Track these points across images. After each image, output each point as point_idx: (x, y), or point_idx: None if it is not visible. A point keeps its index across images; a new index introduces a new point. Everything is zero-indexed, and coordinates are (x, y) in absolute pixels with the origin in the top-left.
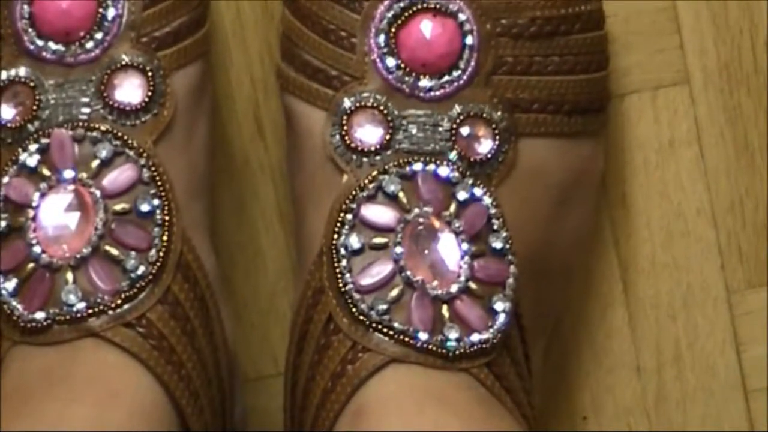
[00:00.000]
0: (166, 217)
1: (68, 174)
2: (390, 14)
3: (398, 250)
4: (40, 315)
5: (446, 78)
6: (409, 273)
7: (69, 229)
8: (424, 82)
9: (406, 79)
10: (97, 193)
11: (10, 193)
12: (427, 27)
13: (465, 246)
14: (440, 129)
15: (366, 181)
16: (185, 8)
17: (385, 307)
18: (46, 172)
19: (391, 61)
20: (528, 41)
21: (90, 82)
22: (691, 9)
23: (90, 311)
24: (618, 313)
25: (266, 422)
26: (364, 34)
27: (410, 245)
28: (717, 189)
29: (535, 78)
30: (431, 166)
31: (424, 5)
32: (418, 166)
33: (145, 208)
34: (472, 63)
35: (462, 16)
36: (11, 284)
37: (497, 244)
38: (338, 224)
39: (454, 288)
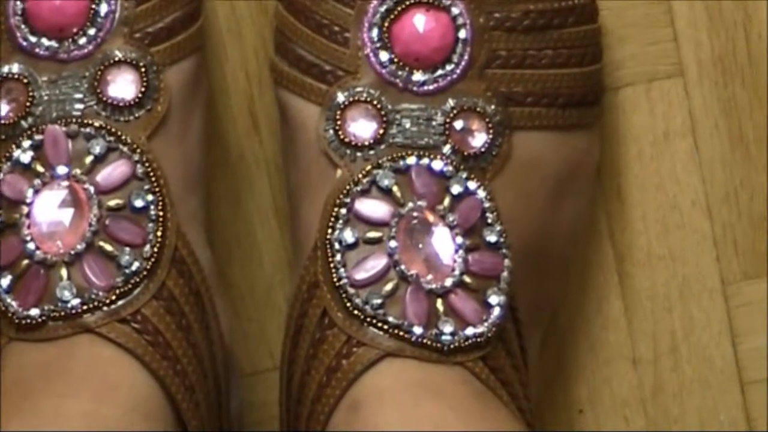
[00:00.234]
0: (161, 213)
1: (62, 170)
2: (383, 8)
3: (392, 244)
4: (34, 311)
5: (440, 72)
6: (403, 267)
7: (63, 225)
8: (418, 76)
9: (400, 73)
10: (91, 189)
11: (4, 190)
12: (420, 21)
13: (459, 240)
14: (434, 123)
15: (360, 176)
16: (179, 3)
17: (379, 301)
18: (39, 168)
19: (384, 56)
20: (521, 34)
21: (83, 78)
22: (685, 1)
23: (85, 307)
24: (614, 306)
25: (263, 416)
26: (358, 28)
27: (404, 239)
28: (712, 181)
29: (529, 71)
30: (425, 160)
31: None
32: (411, 160)
33: (139, 203)
34: (466, 57)
35: (455, 10)
36: (6, 281)
37: (492, 238)
38: (332, 219)
39: (448, 282)
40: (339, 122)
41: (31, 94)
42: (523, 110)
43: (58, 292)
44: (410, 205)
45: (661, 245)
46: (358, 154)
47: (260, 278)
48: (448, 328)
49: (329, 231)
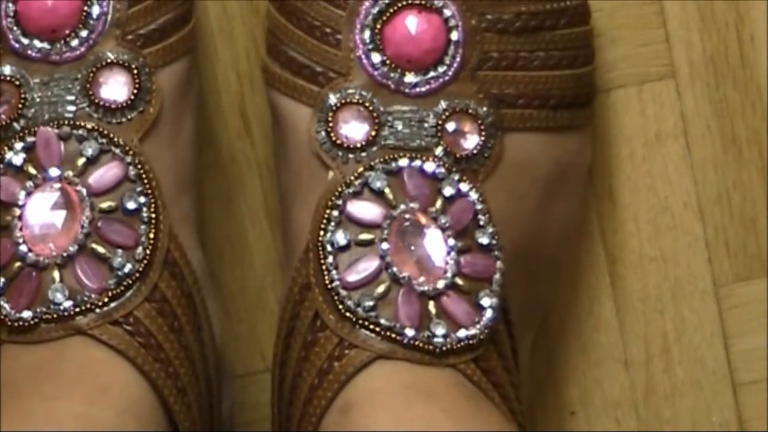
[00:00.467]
0: (153, 215)
1: (54, 172)
2: (375, 10)
3: (385, 246)
4: (27, 314)
5: (432, 74)
6: (395, 269)
7: (55, 228)
8: (410, 78)
9: (392, 75)
10: (84, 191)
11: None
12: (412, 23)
13: (451, 242)
14: (426, 125)
15: (352, 178)
16: (170, 5)
17: (371, 303)
18: (32, 170)
19: (376, 57)
20: (513, 36)
21: (75, 80)
22: (676, 2)
23: (77, 309)
24: (605, 307)
25: (254, 418)
26: (349, 30)
27: (397, 241)
28: (704, 182)
29: (521, 73)
30: (417, 162)
31: (409, 1)
32: (404, 162)
33: (131, 205)
34: (458, 58)
35: (447, 12)
36: None
37: (484, 240)
38: (324, 221)
39: (440, 284)
40: (331, 124)
41: (23, 96)
42: (514, 112)
43: (50, 294)
44: (402, 207)
45: (652, 247)
46: (350, 155)
47: (251, 280)
48: (440, 330)
49: (321, 233)
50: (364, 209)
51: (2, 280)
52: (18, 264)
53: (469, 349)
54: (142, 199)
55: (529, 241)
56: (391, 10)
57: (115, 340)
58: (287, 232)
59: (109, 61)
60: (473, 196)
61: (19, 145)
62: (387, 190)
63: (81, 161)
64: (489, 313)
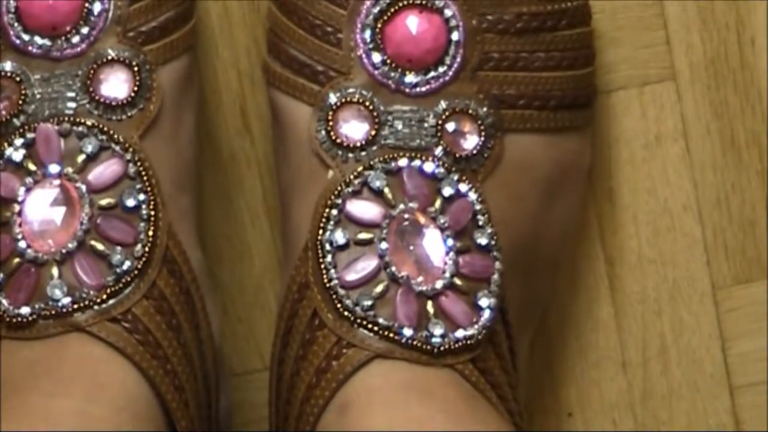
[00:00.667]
0: (152, 212)
1: (54, 168)
2: (376, 9)
3: (383, 245)
4: (25, 310)
5: (432, 73)
6: (394, 269)
7: (55, 224)
8: (410, 78)
9: (392, 74)
10: (83, 187)
11: None
12: (413, 22)
13: (450, 242)
14: (426, 125)
15: (351, 177)
16: (172, 3)
17: (370, 302)
18: (31, 166)
19: (377, 57)
20: (514, 37)
21: (76, 76)
22: (677, 4)
23: (75, 306)
24: (604, 308)
25: (252, 416)
26: (350, 29)
27: (395, 241)
28: (703, 184)
29: (521, 74)
30: (417, 162)
31: (410, 1)
32: (403, 162)
33: (130, 203)
34: (458, 58)
35: (448, 12)
36: None
37: (482, 240)
38: (323, 220)
39: (439, 284)
40: (331, 123)
41: (23, 92)
42: (515, 113)
43: (49, 290)
44: (401, 206)
45: (651, 248)
46: (350, 155)
47: (250, 278)
48: (438, 330)
49: (320, 232)
50: (364, 208)
51: (1, 275)
52: (17, 260)
53: (467, 350)
54: (142, 197)
55: (527, 241)
56: (392, 10)
57: (113, 337)
58: (286, 229)
59: (109, 58)
60: (472, 196)
61: (19, 141)
62: (386, 190)
63: (81, 158)
64: (487, 314)
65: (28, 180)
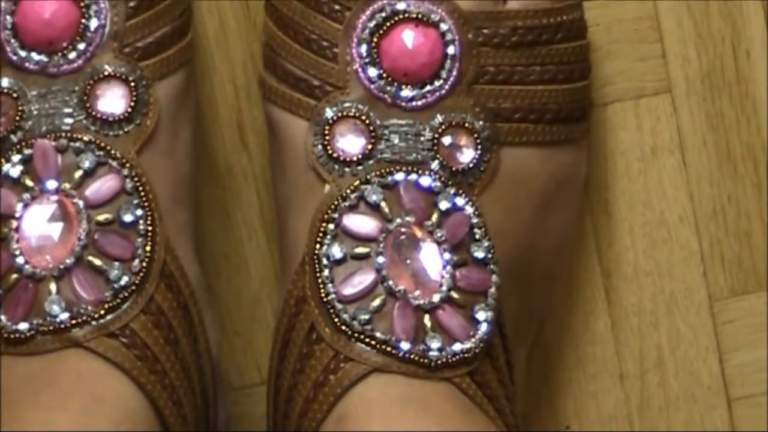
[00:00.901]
0: (149, 227)
1: (51, 184)
2: (372, 24)
3: (380, 259)
4: (23, 326)
5: (428, 88)
6: (391, 282)
7: (52, 240)
8: (406, 92)
9: (388, 88)
10: (80, 203)
11: None
12: (408, 37)
13: (447, 255)
14: (422, 138)
15: (348, 191)
16: (168, 18)
17: (367, 317)
18: (29, 182)
19: (373, 71)
20: (510, 50)
21: (73, 92)
22: (673, 17)
23: (73, 321)
24: (600, 320)
25: (250, 430)
26: (346, 43)
27: (392, 255)
28: (699, 196)
29: (517, 87)
30: (413, 176)
31: (406, 15)
32: (400, 176)
33: (128, 218)
34: (454, 72)
35: (444, 26)
36: None
37: (479, 254)
38: (320, 234)
39: (436, 297)
40: (327, 137)
41: (20, 108)
42: (511, 126)
43: (46, 306)
44: (398, 220)
45: (648, 260)
46: (347, 169)
47: (248, 292)
48: (435, 344)
49: (317, 246)
50: (360, 223)
51: None
52: (15, 275)
53: (464, 363)
54: (139, 212)
55: (524, 253)
56: (388, 24)
57: (111, 352)
58: (283, 244)
59: (106, 73)
60: (469, 209)
61: (16, 157)
62: (383, 204)
63: (78, 173)
64: (484, 327)
65: (26, 196)
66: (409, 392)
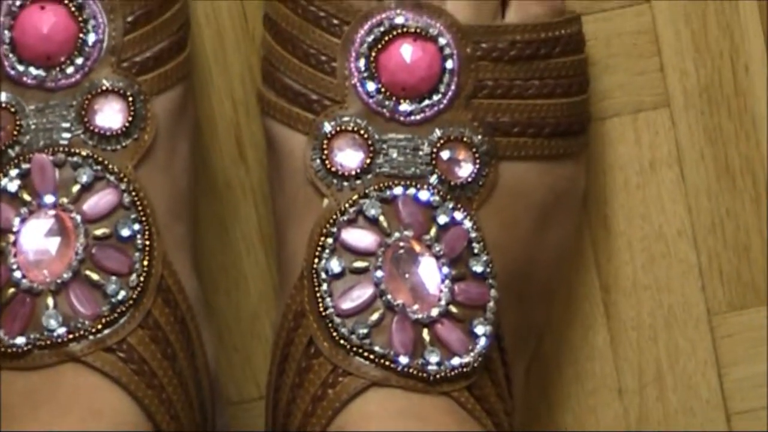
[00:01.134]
0: (147, 242)
1: (49, 199)
2: (370, 38)
3: (379, 273)
4: (20, 340)
5: (426, 102)
6: (389, 296)
7: (50, 254)
8: (405, 106)
9: (387, 103)
10: (78, 217)
11: None
12: (407, 51)
13: (445, 269)
14: (420, 153)
15: (346, 205)
16: (166, 33)
17: (365, 331)
18: (26, 197)
19: (371, 85)
20: (508, 65)
21: (70, 107)
22: (671, 31)
23: (71, 336)
24: (599, 335)
25: None
26: (345, 57)
27: (391, 269)
28: (698, 210)
29: (516, 101)
30: (412, 190)
31: (404, 29)
32: (398, 190)
33: (125, 232)
34: (452, 86)
35: (442, 40)
36: None
37: (478, 268)
38: (319, 248)
39: (434, 311)
40: (326, 151)
41: (18, 122)
42: (509, 140)
43: (44, 320)
44: (397, 234)
45: (646, 275)
46: (345, 183)
47: (246, 306)
48: (434, 358)
49: (316, 260)
50: (359, 237)
51: None
52: (12, 290)
53: (462, 377)
54: (137, 227)
55: (522, 266)
56: (387, 38)
57: (108, 366)
58: (282, 258)
59: (104, 88)
60: (467, 224)
61: (14, 172)
62: (381, 218)
63: (76, 188)
64: (483, 341)
65: (23, 210)
66: (407, 406)
